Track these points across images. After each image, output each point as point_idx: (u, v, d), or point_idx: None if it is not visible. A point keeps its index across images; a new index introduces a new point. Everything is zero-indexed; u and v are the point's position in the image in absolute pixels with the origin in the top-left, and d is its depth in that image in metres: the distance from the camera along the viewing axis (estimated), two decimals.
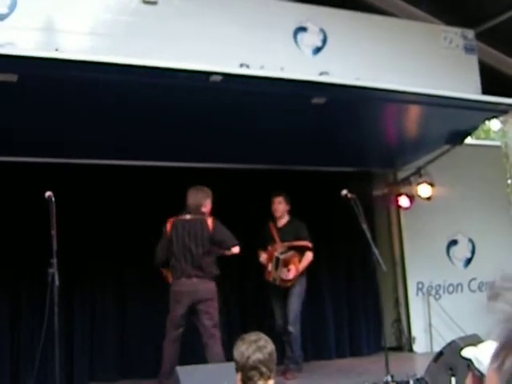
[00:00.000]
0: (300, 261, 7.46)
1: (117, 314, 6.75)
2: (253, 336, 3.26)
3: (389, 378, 6.10)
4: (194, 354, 8.13)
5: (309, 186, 8.78)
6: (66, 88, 5.78)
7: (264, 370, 3.15)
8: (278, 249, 7.45)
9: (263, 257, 7.56)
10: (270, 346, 3.23)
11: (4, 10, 5.46)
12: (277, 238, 7.57)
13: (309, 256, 7.53)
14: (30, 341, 7.36)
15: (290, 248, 7.46)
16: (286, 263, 7.36)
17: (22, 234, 7.68)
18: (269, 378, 3.17)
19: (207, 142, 7.34)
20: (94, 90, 5.86)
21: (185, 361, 6.87)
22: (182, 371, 5.17)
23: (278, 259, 7.35)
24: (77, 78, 5.57)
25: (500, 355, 0.72)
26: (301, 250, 7.52)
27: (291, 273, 7.39)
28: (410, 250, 9.54)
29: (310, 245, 7.55)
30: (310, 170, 8.88)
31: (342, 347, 8.97)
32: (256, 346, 3.17)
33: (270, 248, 7.53)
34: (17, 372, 7.40)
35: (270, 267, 7.42)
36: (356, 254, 8.99)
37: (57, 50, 5.24)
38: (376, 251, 6.50)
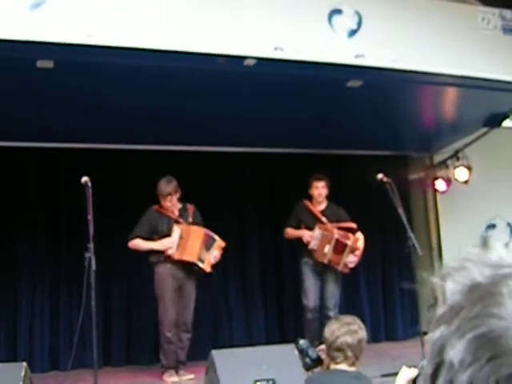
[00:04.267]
0: None
1: (154, 296, 6.80)
2: (347, 318, 3.26)
3: (425, 363, 6.05)
4: (230, 337, 8.21)
5: (344, 170, 8.75)
6: (100, 74, 5.82)
7: (350, 354, 3.13)
8: (332, 229, 7.32)
9: (308, 236, 7.30)
10: (362, 333, 3.21)
11: None
12: (324, 219, 7.45)
13: (362, 237, 7.40)
14: (69, 324, 7.49)
15: (339, 229, 7.37)
16: (353, 249, 7.25)
17: (59, 219, 7.80)
18: (353, 363, 3.15)
19: (241, 126, 7.34)
20: (127, 75, 5.89)
21: (220, 344, 6.94)
22: (218, 355, 5.19)
23: (344, 245, 7.19)
24: (112, 65, 5.61)
25: (432, 330, 0.72)
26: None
27: (357, 258, 7.33)
28: (446, 234, 9.44)
29: (355, 226, 7.46)
30: (346, 154, 8.84)
31: (377, 331, 8.94)
32: (348, 329, 3.16)
33: (319, 229, 7.33)
34: (56, 354, 7.55)
35: (327, 249, 7.22)
36: (392, 239, 8.94)
37: (89, 36, 5.26)
38: (412, 235, 6.45)
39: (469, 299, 0.68)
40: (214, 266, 6.81)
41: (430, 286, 0.76)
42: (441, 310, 0.72)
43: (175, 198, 6.75)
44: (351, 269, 7.44)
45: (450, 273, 0.74)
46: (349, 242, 7.20)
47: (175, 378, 6.60)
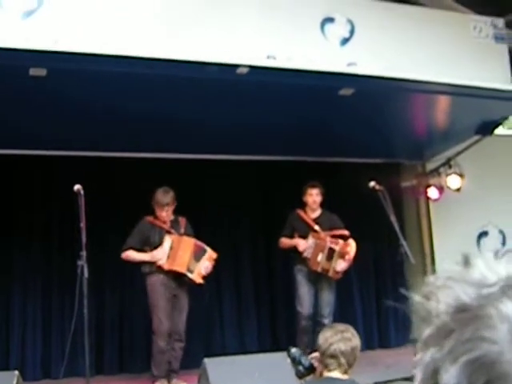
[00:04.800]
0: None
1: (147, 305, 6.81)
2: (341, 326, 3.28)
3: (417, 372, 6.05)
4: (222, 345, 8.20)
5: (336, 178, 8.76)
6: (92, 82, 5.83)
7: (343, 361, 3.14)
8: (325, 238, 7.34)
9: (303, 245, 7.34)
10: (356, 341, 3.23)
11: (33, 6, 5.50)
12: (317, 227, 7.50)
13: (354, 244, 7.39)
14: (61, 332, 7.46)
15: (332, 237, 7.39)
16: (342, 254, 7.26)
17: (52, 227, 7.78)
18: (345, 371, 3.16)
19: (233, 134, 7.35)
20: (120, 83, 5.90)
21: (213, 353, 6.93)
22: (210, 363, 5.18)
23: (333, 250, 7.21)
24: (105, 73, 5.62)
25: (420, 350, 0.71)
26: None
27: (347, 264, 7.32)
28: (439, 241, 9.46)
29: (347, 233, 7.48)
30: (338, 162, 8.85)
31: (370, 339, 8.93)
32: (341, 336, 3.18)
33: (313, 238, 7.36)
34: (48, 362, 7.52)
35: (320, 257, 7.24)
36: (384, 246, 8.95)
37: (78, 43, 5.27)
38: (404, 243, 6.46)
39: (458, 321, 0.68)
40: (205, 277, 6.80)
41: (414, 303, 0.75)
42: (428, 330, 0.71)
43: (171, 208, 6.75)
44: (343, 275, 7.44)
45: (433, 291, 0.73)
46: (336, 248, 7.22)
47: None
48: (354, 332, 3.29)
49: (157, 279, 6.60)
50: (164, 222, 6.78)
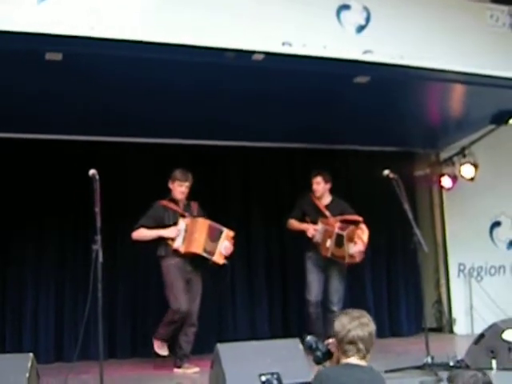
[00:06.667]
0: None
1: (160, 289, 6.84)
2: (356, 312, 3.28)
3: (429, 359, 6.07)
4: (234, 331, 8.23)
5: (350, 166, 8.76)
6: (109, 66, 5.84)
7: (361, 347, 3.16)
8: (334, 223, 7.35)
9: (312, 231, 7.40)
10: (372, 326, 3.24)
11: None
12: (327, 213, 7.51)
13: (365, 228, 7.42)
14: (74, 316, 7.52)
15: (343, 222, 7.40)
16: (351, 238, 7.27)
17: (65, 212, 7.81)
18: (364, 357, 3.18)
19: (249, 121, 7.35)
20: (136, 68, 5.90)
21: (225, 338, 6.97)
22: (223, 348, 5.20)
23: (341, 236, 7.23)
24: (120, 57, 5.62)
25: None
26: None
27: (359, 246, 7.32)
28: (452, 230, 9.46)
29: (360, 218, 7.48)
30: (352, 150, 8.85)
31: (381, 327, 8.93)
32: (359, 322, 3.19)
33: (321, 223, 7.41)
34: (61, 346, 7.57)
35: (329, 243, 7.27)
36: (397, 235, 8.95)
37: (92, 28, 5.27)
38: (417, 232, 6.44)
39: None
40: (227, 257, 6.79)
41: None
42: None
43: (188, 187, 6.79)
44: (362, 256, 7.42)
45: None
46: (344, 233, 7.22)
47: (165, 352, 6.77)
48: (369, 317, 3.30)
49: (172, 262, 6.63)
50: (179, 202, 6.80)
